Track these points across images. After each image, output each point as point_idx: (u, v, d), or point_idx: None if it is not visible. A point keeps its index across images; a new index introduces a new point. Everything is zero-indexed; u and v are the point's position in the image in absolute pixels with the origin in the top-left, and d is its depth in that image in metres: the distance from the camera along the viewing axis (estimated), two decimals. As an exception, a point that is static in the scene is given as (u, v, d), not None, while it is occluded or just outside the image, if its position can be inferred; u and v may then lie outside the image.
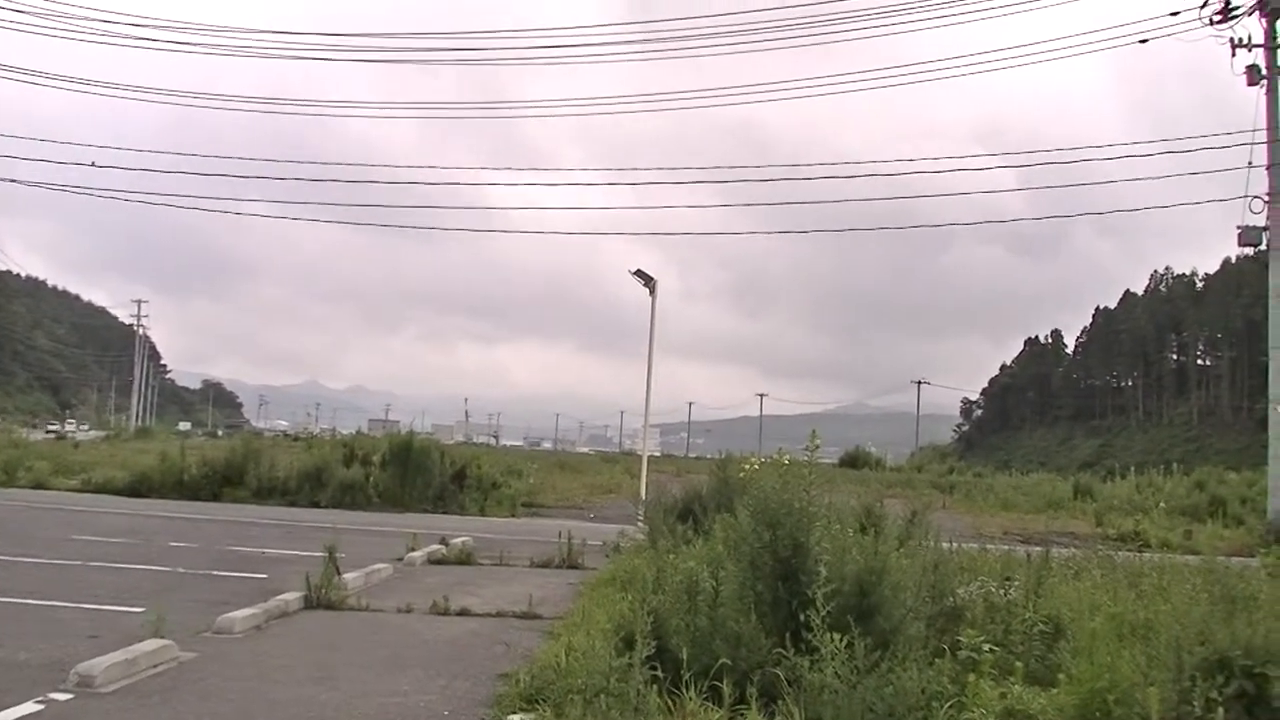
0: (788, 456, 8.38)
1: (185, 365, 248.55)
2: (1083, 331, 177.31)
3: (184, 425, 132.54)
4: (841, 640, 6.31)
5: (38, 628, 10.07)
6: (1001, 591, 9.34)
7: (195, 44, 55.40)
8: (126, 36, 34.63)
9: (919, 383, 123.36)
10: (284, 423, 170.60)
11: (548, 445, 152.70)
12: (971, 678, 6.82)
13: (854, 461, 61.66)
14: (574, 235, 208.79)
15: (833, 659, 6.28)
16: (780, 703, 6.46)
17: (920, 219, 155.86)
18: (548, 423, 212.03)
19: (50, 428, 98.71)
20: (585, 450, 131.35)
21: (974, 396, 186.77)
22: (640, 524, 18.13)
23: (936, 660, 6.91)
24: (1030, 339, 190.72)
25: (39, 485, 30.77)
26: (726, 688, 6.55)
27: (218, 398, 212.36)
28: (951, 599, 8.93)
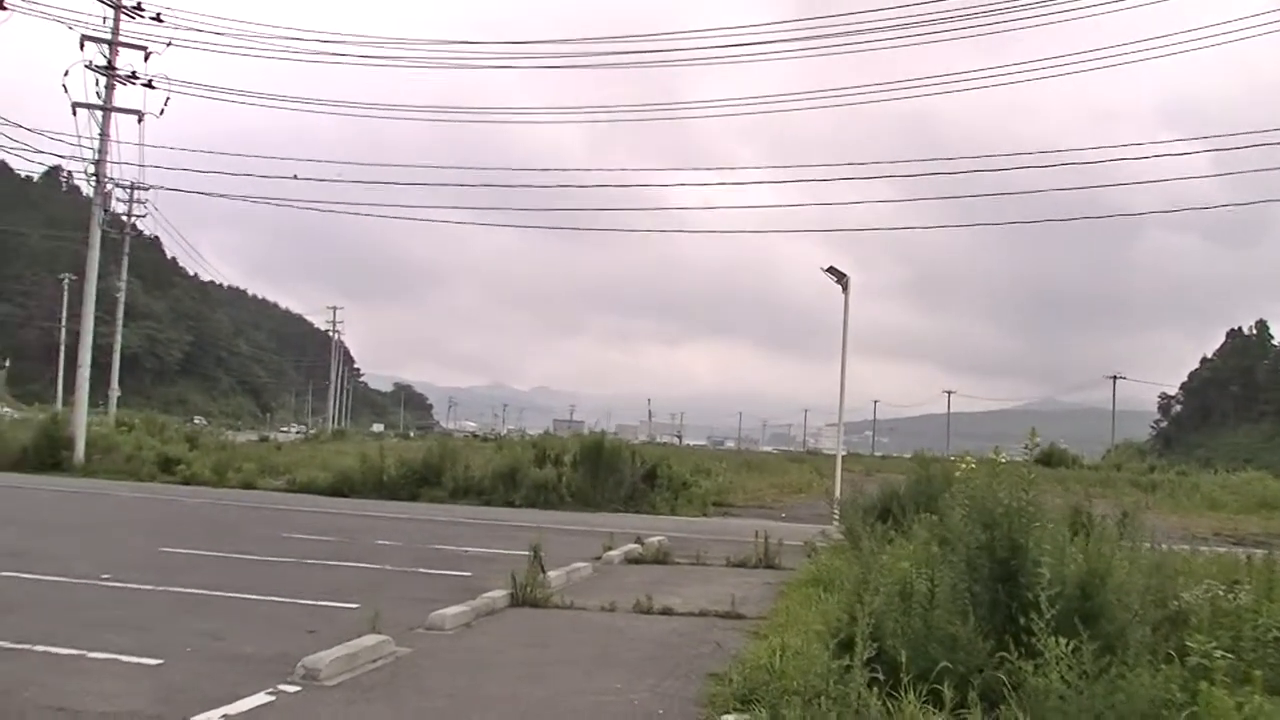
0: (1005, 455, 8.19)
1: (376, 369, 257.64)
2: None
3: (378, 427, 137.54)
4: (1067, 644, 6.15)
5: (259, 622, 10.64)
6: (1230, 595, 8.92)
7: (380, 57, 57.12)
8: (315, 53, 36.04)
9: (1114, 378, 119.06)
10: (471, 424, 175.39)
11: (731, 444, 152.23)
12: (1204, 685, 6.55)
13: (1048, 459, 59.67)
14: (751, 234, 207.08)
15: (1058, 663, 6.13)
16: (1003, 707, 6.33)
17: (1109, 208, 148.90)
18: (729, 422, 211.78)
19: (295, 428, 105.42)
20: (769, 449, 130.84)
21: (1172, 391, 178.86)
22: (836, 523, 17.98)
23: (1164, 667, 6.67)
24: (1232, 330, 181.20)
25: (247, 485, 32.39)
26: (947, 691, 6.46)
27: (408, 400, 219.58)
28: (1176, 603, 8.58)
